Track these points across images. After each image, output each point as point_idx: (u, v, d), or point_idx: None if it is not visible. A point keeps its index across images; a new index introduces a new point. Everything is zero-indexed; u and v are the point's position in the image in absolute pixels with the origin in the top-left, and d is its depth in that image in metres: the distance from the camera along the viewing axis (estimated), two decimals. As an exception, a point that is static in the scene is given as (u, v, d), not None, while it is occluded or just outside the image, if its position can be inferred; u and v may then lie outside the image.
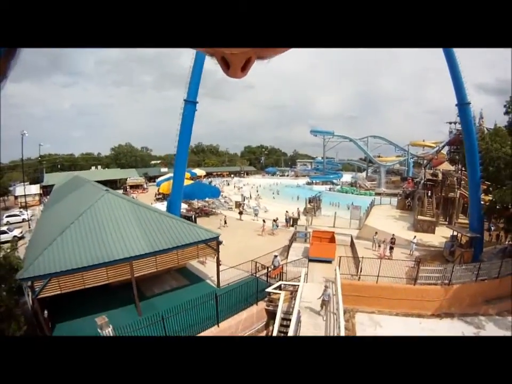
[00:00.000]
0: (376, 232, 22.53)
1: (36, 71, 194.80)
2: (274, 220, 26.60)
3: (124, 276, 12.59)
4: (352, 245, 20.36)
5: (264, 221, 26.49)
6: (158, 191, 44.73)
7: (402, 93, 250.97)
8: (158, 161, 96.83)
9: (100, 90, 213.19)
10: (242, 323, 13.60)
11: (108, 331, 11.12)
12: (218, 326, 12.78)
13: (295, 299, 13.71)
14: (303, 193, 47.30)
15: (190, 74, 21.99)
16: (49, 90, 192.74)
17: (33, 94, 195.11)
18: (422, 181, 33.68)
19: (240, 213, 31.66)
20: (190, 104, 21.66)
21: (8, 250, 12.92)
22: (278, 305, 13.45)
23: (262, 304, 14.48)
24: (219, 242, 15.70)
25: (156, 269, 13.48)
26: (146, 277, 14.01)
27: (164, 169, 75.33)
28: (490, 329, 14.95)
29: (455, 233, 21.77)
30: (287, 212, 30.13)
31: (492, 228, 26.05)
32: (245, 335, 13.43)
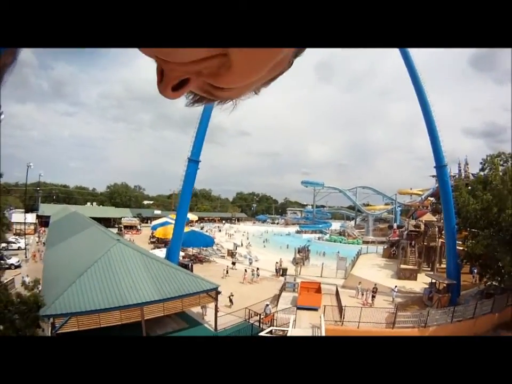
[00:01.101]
0: (360, 282, 24.25)
1: (40, 95, 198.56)
2: (252, 270, 28.49)
3: (135, 318, 14.24)
4: (337, 294, 22.02)
5: (245, 270, 28.25)
6: (153, 234, 45.48)
7: (392, 141, 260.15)
8: (151, 202, 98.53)
9: (99, 123, 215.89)
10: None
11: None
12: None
13: (284, 343, 15.22)
14: (293, 241, 48.71)
15: (195, 134, 23.23)
16: (51, 117, 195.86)
17: (34, 117, 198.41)
18: (406, 232, 35.45)
19: (233, 263, 32.61)
20: (193, 163, 23.30)
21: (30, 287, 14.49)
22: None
23: (254, 348, 15.87)
24: (218, 292, 17.59)
25: (163, 313, 15.23)
26: (151, 319, 15.42)
27: (157, 211, 76.53)
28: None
29: (434, 280, 23.59)
30: (277, 262, 31.57)
31: (475, 271, 26.79)
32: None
